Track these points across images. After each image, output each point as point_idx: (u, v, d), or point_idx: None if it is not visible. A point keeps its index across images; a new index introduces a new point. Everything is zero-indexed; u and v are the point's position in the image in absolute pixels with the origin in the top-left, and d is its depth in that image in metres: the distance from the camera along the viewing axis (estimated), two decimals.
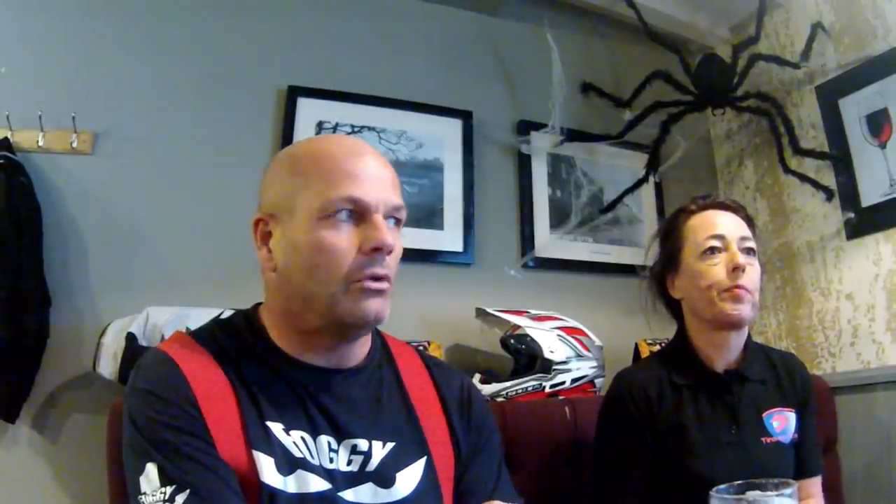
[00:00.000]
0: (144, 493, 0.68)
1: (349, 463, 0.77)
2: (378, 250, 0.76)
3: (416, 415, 0.86)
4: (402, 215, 0.82)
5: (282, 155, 0.87)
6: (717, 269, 1.14)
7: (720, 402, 1.15)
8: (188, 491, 0.67)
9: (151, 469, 0.69)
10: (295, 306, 0.79)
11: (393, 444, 0.81)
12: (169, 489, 0.67)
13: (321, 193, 0.77)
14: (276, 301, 0.83)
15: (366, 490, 0.77)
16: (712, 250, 1.16)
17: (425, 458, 0.83)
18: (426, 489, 0.80)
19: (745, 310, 1.13)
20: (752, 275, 1.14)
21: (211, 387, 0.74)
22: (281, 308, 0.82)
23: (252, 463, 0.71)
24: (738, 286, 1.12)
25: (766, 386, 1.18)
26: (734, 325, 1.15)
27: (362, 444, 0.79)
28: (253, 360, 0.80)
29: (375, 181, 0.79)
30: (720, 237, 1.16)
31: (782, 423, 1.15)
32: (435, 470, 0.83)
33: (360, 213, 0.77)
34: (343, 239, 0.76)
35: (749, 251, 1.16)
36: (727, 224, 1.17)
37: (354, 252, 0.76)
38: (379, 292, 0.77)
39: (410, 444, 0.83)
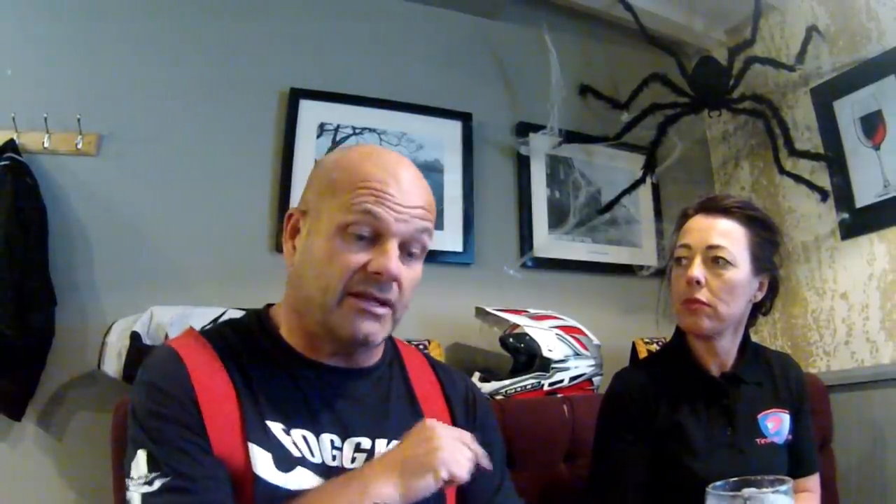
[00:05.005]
0: (132, 479, 0.71)
1: (353, 461, 0.78)
2: (379, 275, 0.76)
3: (423, 414, 0.87)
4: (426, 241, 0.81)
5: (330, 157, 0.87)
6: (680, 280, 1.14)
7: (716, 403, 1.15)
8: (169, 477, 0.69)
9: (141, 455, 0.71)
10: (301, 305, 0.81)
11: (398, 442, 0.81)
12: (153, 475, 0.69)
13: (345, 207, 0.77)
14: (289, 296, 0.84)
15: None
16: (679, 260, 1.16)
17: None
18: None
19: (702, 322, 1.12)
20: (715, 286, 1.11)
21: (212, 384, 0.76)
22: (292, 304, 0.83)
23: (248, 459, 0.73)
24: (690, 300, 1.12)
25: (761, 388, 1.18)
26: (696, 335, 1.16)
27: (366, 442, 0.80)
28: (260, 357, 0.81)
29: (401, 202, 0.78)
30: (686, 246, 1.15)
31: (776, 424, 1.16)
32: None
33: (377, 235, 0.78)
34: (353, 255, 0.76)
35: (717, 260, 1.11)
36: (700, 231, 1.14)
37: (359, 269, 0.76)
38: (374, 315, 0.77)
39: None
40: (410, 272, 0.80)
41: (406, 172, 0.81)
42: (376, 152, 0.85)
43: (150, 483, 0.69)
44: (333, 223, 0.78)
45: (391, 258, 0.76)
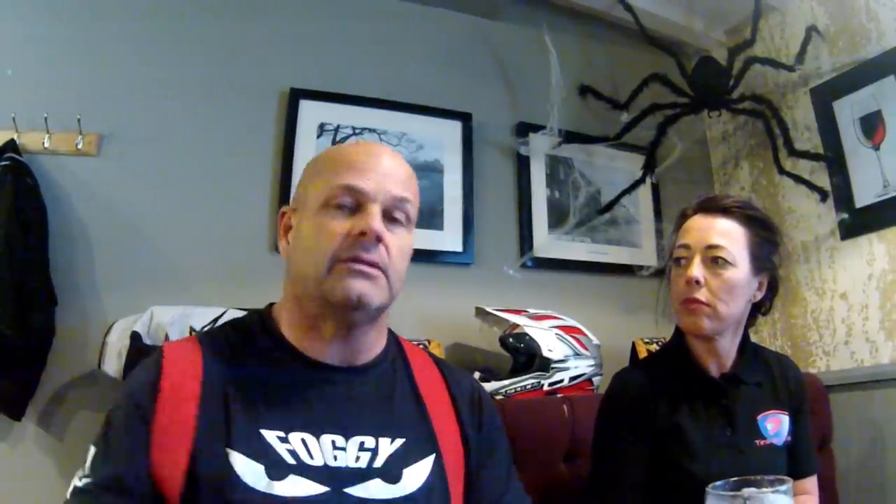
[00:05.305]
0: (81, 468, 0.74)
1: (357, 459, 0.78)
2: (363, 234, 0.78)
3: (427, 412, 0.87)
4: (408, 209, 0.84)
5: (315, 156, 0.91)
6: (679, 280, 1.14)
7: (716, 404, 1.15)
8: (91, 479, 0.72)
9: (90, 451, 0.74)
10: (298, 290, 0.83)
11: (402, 440, 0.82)
12: (87, 472, 0.73)
13: (326, 184, 0.81)
14: (287, 287, 0.86)
15: (375, 486, 0.77)
16: (678, 260, 1.16)
17: (434, 454, 0.83)
18: (434, 485, 0.81)
19: (702, 322, 1.11)
20: (714, 285, 1.10)
21: (186, 392, 0.76)
22: (290, 292, 0.85)
23: (232, 469, 0.72)
24: (689, 299, 1.12)
25: (761, 389, 1.18)
26: (696, 335, 1.16)
27: (369, 441, 0.80)
28: (260, 358, 0.81)
29: (379, 175, 0.81)
30: (685, 246, 1.15)
31: (776, 425, 1.16)
32: (444, 467, 0.84)
33: (358, 203, 0.80)
34: (337, 224, 0.79)
35: (717, 260, 1.11)
36: (699, 231, 1.14)
37: (345, 236, 0.78)
38: (364, 275, 0.78)
39: (420, 441, 0.83)
40: (396, 238, 0.82)
41: (386, 152, 0.85)
42: (361, 143, 0.88)
43: (80, 478, 0.72)
44: (318, 201, 0.81)
45: (373, 218, 0.79)
